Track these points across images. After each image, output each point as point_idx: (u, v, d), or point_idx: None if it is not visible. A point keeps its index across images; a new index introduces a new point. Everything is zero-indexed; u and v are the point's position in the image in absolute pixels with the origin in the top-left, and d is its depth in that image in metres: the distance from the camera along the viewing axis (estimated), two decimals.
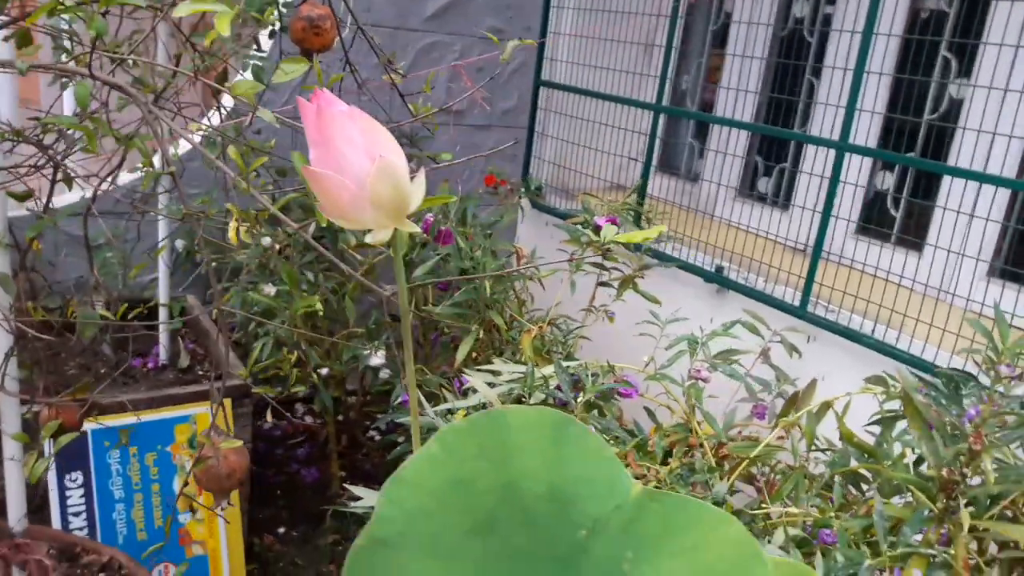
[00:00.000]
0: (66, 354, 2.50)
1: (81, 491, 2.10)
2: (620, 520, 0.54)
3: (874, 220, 2.81)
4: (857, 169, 2.62)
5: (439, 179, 3.09)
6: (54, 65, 1.09)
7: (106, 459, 2.12)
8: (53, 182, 1.23)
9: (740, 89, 3.10)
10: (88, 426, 2.10)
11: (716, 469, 1.62)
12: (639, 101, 3.05)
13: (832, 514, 1.57)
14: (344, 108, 0.63)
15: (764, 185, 3.24)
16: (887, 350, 2.26)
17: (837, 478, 1.69)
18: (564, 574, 0.54)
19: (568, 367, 1.73)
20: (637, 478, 1.62)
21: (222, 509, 1.21)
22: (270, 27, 1.49)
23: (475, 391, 1.67)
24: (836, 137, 2.39)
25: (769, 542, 1.40)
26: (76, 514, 2.10)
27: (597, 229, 2.19)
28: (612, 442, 1.62)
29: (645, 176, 3.02)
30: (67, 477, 2.09)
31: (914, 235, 2.67)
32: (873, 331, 2.33)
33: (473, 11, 3.28)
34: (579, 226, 2.23)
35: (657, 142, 3.13)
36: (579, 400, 1.55)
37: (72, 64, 1.05)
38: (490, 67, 3.40)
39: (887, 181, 2.83)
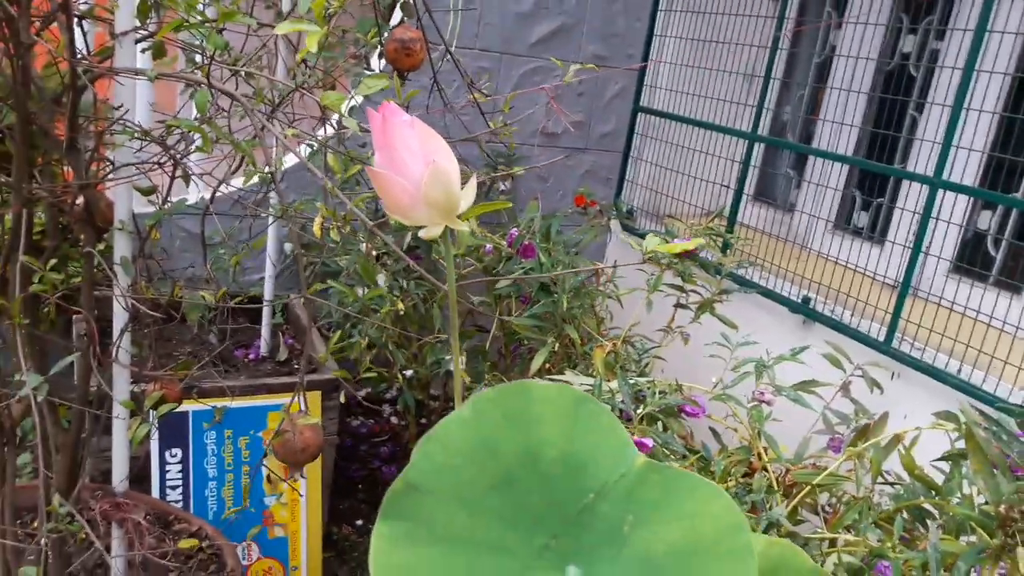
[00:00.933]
0: (177, 341, 2.70)
1: (179, 467, 2.28)
2: (624, 487, 0.60)
3: (972, 260, 2.74)
4: (955, 208, 2.56)
5: (530, 196, 3.19)
6: (176, 73, 1.24)
7: (203, 439, 2.29)
8: (172, 178, 1.39)
9: (840, 122, 3.08)
10: (189, 407, 2.28)
11: (775, 491, 1.63)
12: (734, 129, 3.07)
13: (890, 546, 1.56)
14: (406, 118, 0.72)
15: (860, 219, 3.19)
16: (972, 391, 2.20)
17: (901, 512, 1.68)
18: (572, 531, 0.61)
19: (635, 383, 1.78)
20: None
21: (295, 480, 1.32)
22: (378, 48, 1.63)
23: None
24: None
25: (821, 564, 1.41)
26: (173, 488, 2.27)
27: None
28: (671, 456, 1.65)
29: (736, 203, 3.03)
30: (168, 453, 2.26)
31: (1015, 277, 2.59)
32: (959, 371, 2.28)
33: (577, 38, 3.38)
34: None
35: (753, 171, 3.13)
36: (638, 412, 1.60)
37: (196, 74, 1.19)
38: (590, 91, 3.49)
39: (988, 221, 2.75)
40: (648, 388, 1.81)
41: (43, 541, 1.30)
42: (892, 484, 1.81)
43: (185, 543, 1.52)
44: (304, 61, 1.55)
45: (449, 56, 1.42)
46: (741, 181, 3.02)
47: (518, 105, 3.30)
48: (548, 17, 3.28)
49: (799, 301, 2.79)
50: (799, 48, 3.40)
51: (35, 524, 1.62)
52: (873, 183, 3.14)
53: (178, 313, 1.49)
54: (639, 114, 3.54)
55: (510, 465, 0.62)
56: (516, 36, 3.24)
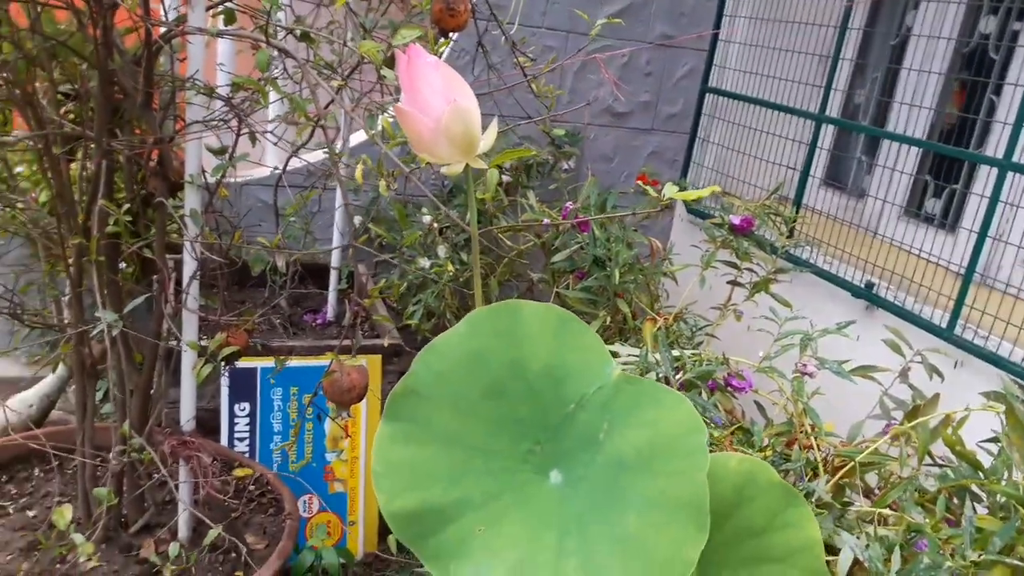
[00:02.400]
0: (250, 304, 2.84)
1: (247, 420, 2.41)
2: (601, 398, 0.65)
3: None
4: None
5: (598, 175, 3.22)
6: (236, 31, 1.33)
7: (270, 395, 2.42)
8: (238, 134, 1.48)
9: (915, 104, 3.01)
10: (258, 364, 2.41)
11: (814, 464, 1.64)
12: (801, 110, 3.04)
13: (931, 524, 1.55)
14: (431, 60, 0.78)
15: (932, 205, 3.11)
16: None
17: (944, 492, 1.66)
18: (555, 437, 0.67)
19: (679, 355, 1.81)
20: None
21: (343, 419, 1.41)
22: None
23: None
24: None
25: (858, 537, 1.42)
26: (240, 440, 2.41)
27: (732, 228, 2.24)
28: (710, 426, 1.68)
29: (802, 185, 3.00)
30: (236, 406, 2.40)
31: None
32: None
33: (646, 16, 3.39)
34: (715, 226, 2.29)
35: (824, 155, 3.09)
36: (677, 378, 1.63)
37: (258, 34, 1.28)
38: (658, 71, 3.50)
39: None
40: (692, 359, 1.83)
41: (115, 463, 1.41)
42: (940, 465, 1.80)
43: (240, 471, 1.63)
44: (364, 28, 1.63)
45: (496, 23, 1.47)
46: (807, 163, 2.99)
47: (583, 86, 3.34)
48: None
49: (862, 286, 2.75)
50: (874, 29, 3.32)
51: (108, 459, 1.75)
52: (948, 168, 3.06)
53: (247, 270, 1.58)
54: (707, 95, 3.53)
55: (499, 375, 0.67)
56: (585, 14, 3.26)
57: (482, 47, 1.55)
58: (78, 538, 1.34)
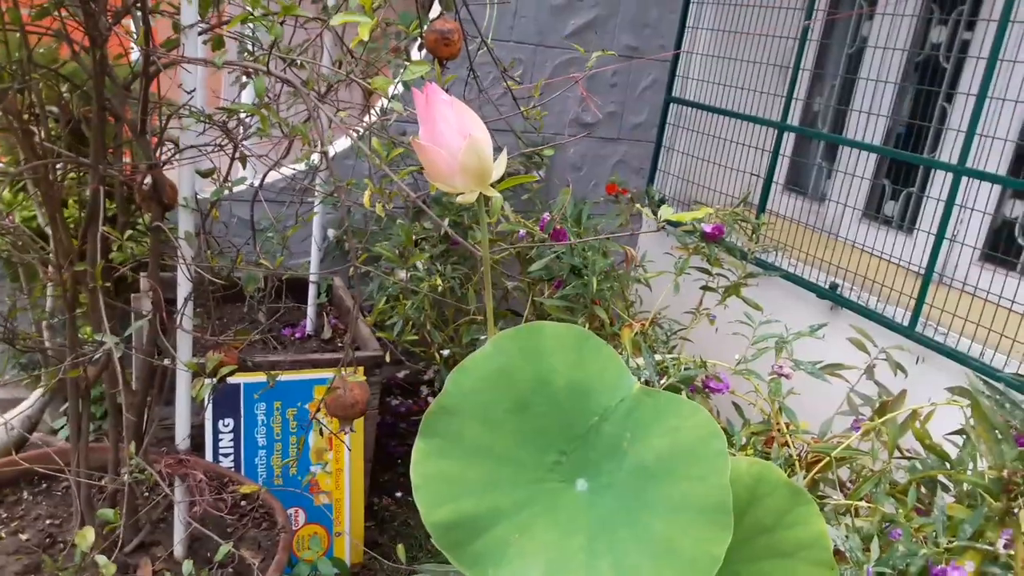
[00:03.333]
0: (228, 319, 2.85)
1: (231, 436, 2.43)
2: (623, 409, 0.71)
3: (1000, 248, 2.78)
4: (986, 196, 2.61)
5: (564, 186, 3.28)
6: (242, 62, 1.37)
7: (254, 410, 2.44)
8: (232, 159, 1.52)
9: (871, 112, 3.13)
10: (241, 380, 2.43)
11: (793, 460, 1.72)
12: (763, 119, 3.14)
13: (903, 514, 1.64)
14: (446, 97, 0.84)
15: (890, 208, 3.24)
16: (995, 374, 2.25)
17: (914, 484, 1.75)
18: (579, 448, 0.72)
19: (661, 359, 1.88)
20: None
21: (345, 433, 1.44)
22: (417, 39, 1.74)
23: None
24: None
25: (836, 529, 1.50)
26: (225, 455, 2.42)
27: (703, 235, 2.32)
28: None
29: (765, 191, 3.10)
30: (220, 422, 2.41)
31: None
32: (982, 354, 2.33)
33: (611, 28, 3.47)
34: (687, 233, 2.37)
35: (784, 161, 3.19)
36: (662, 383, 1.70)
37: (254, 63, 1.32)
38: (623, 83, 3.58)
39: (1017, 210, 2.79)
40: (672, 364, 1.90)
41: (123, 481, 1.43)
42: (909, 458, 1.89)
43: (246, 488, 1.66)
44: (350, 52, 1.67)
45: (485, 47, 1.53)
46: (770, 170, 3.09)
47: (551, 96, 3.41)
48: (582, 9, 3.37)
49: (827, 287, 2.85)
50: (831, 40, 3.44)
51: (104, 480, 1.77)
52: (904, 173, 3.18)
53: (236, 288, 1.62)
54: (671, 104, 3.62)
55: (525, 391, 0.73)
56: (550, 28, 3.34)
57: (473, 72, 1.60)
58: (101, 559, 1.35)
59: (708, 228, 2.30)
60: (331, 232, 3.30)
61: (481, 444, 0.72)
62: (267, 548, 1.87)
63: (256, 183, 1.74)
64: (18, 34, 1.43)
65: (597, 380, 0.72)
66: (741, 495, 0.72)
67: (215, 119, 1.43)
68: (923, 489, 1.74)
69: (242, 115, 1.42)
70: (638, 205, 3.37)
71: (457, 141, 0.82)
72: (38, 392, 2.32)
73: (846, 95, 3.46)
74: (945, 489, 1.76)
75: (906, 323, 2.55)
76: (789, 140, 3.40)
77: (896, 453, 1.92)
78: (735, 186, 3.37)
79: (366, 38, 0.99)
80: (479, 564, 0.69)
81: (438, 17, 1.36)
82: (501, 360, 0.74)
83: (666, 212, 1.00)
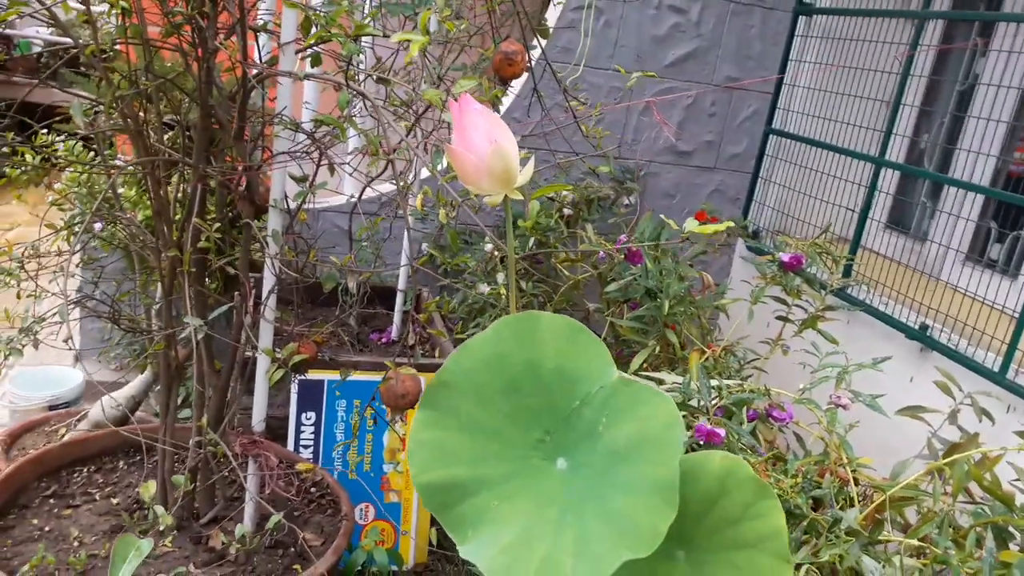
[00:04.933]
0: (321, 320, 3.02)
1: (312, 428, 2.57)
2: (602, 397, 0.77)
3: None
4: None
5: (655, 211, 3.32)
6: (319, 75, 1.50)
7: (335, 406, 2.58)
8: (318, 165, 1.65)
9: (979, 152, 3.02)
10: (324, 376, 2.58)
11: (848, 495, 1.70)
12: (861, 154, 3.09)
13: (960, 558, 1.59)
14: (478, 107, 0.92)
15: (996, 251, 3.11)
16: None
17: (975, 529, 1.70)
18: (562, 427, 0.78)
19: (719, 384, 1.89)
20: None
21: (397, 423, 1.54)
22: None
23: None
24: None
25: (884, 565, 1.48)
26: (306, 447, 2.57)
27: (781, 264, 2.32)
28: (745, 452, 1.75)
29: (860, 227, 3.04)
30: (303, 415, 2.56)
31: None
32: None
33: (712, 60, 3.49)
34: (766, 262, 2.36)
35: (886, 198, 3.12)
36: (713, 405, 1.71)
37: (334, 77, 1.44)
38: (723, 112, 3.59)
39: None
40: (729, 389, 1.91)
41: (192, 455, 1.57)
42: (976, 503, 1.82)
43: (303, 466, 1.77)
44: (437, 75, 1.79)
45: (549, 68, 1.61)
46: (866, 205, 3.03)
47: (647, 123, 3.46)
48: (684, 40, 3.41)
49: (916, 328, 2.77)
50: (942, 76, 3.35)
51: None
52: (1012, 216, 3.05)
53: (331, 292, 1.74)
54: (771, 136, 3.60)
55: (517, 373, 0.79)
56: (651, 57, 3.39)
57: (537, 92, 1.69)
58: (159, 510, 1.50)
59: (786, 258, 2.29)
60: (424, 246, 3.45)
61: (474, 418, 0.79)
62: (329, 533, 1.98)
63: (355, 196, 1.87)
64: (140, 47, 1.61)
65: (583, 369, 0.78)
66: (712, 487, 0.76)
67: (302, 127, 1.57)
68: (981, 530, 1.68)
69: (328, 125, 1.55)
70: (728, 235, 3.37)
71: (485, 147, 0.90)
72: (144, 375, 2.53)
73: (955, 133, 3.35)
74: (1011, 537, 1.69)
75: (996, 369, 2.45)
76: (893, 178, 3.32)
77: (969, 497, 1.86)
78: (832, 220, 3.31)
79: (415, 54, 1.09)
80: (461, 525, 0.76)
81: (505, 39, 1.45)
82: (499, 345, 0.80)
83: (691, 224, 1.04)
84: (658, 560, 0.79)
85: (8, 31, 5.91)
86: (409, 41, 1.11)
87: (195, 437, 1.75)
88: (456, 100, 0.91)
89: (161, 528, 1.53)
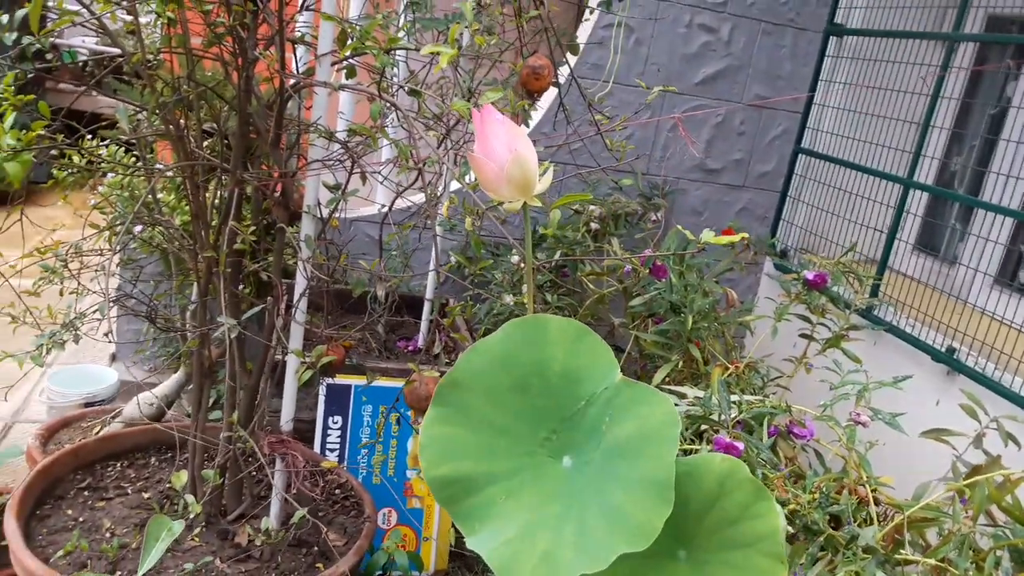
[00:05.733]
0: (350, 326, 3.08)
1: (339, 432, 2.63)
2: (606, 396, 0.80)
3: None
4: None
5: (687, 228, 3.33)
6: (353, 85, 1.55)
7: (361, 411, 2.63)
8: (350, 173, 1.71)
9: (1010, 175, 3.01)
10: (352, 382, 2.63)
11: (862, 508, 1.70)
12: (889, 174, 3.09)
13: None
14: (499, 117, 0.96)
15: None
16: None
17: (998, 552, 1.69)
18: (567, 425, 0.82)
19: (738, 400, 1.91)
20: (782, 503, 1.75)
21: (418, 424, 1.58)
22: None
23: None
24: None
25: None
26: (332, 450, 2.62)
27: (806, 282, 2.33)
28: (763, 466, 1.76)
29: (888, 248, 3.03)
30: (330, 419, 2.62)
31: None
32: None
33: (742, 79, 3.51)
34: (793, 280, 2.38)
35: (914, 220, 3.11)
36: (732, 418, 1.73)
37: (372, 89, 1.50)
38: (752, 131, 3.61)
39: None
40: (755, 404, 1.92)
41: (229, 451, 1.63)
42: (997, 526, 1.82)
43: (327, 463, 1.82)
44: (468, 88, 1.84)
45: (575, 83, 1.65)
46: (893, 226, 3.03)
47: (675, 140, 3.48)
48: (714, 59, 3.44)
49: (943, 351, 2.75)
50: (974, 100, 3.34)
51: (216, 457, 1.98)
52: None
53: (360, 300, 1.79)
54: (800, 155, 3.60)
55: (525, 373, 0.83)
56: (681, 75, 3.42)
57: (563, 106, 1.73)
58: (189, 498, 1.55)
59: (810, 276, 2.30)
60: (453, 257, 3.50)
61: (483, 416, 0.83)
62: (352, 534, 2.03)
63: (386, 206, 1.93)
64: (183, 56, 1.68)
65: (588, 370, 0.82)
66: (712, 488, 0.79)
67: (336, 136, 1.62)
68: (1001, 553, 1.68)
69: (361, 135, 1.61)
70: (754, 252, 3.38)
71: (505, 155, 0.94)
72: (177, 375, 2.60)
73: (986, 156, 3.33)
74: None
75: (1023, 393, 2.43)
76: (922, 200, 3.31)
77: (989, 520, 1.86)
78: (862, 242, 3.30)
79: (445, 65, 1.13)
80: (470, 519, 0.79)
81: (532, 54, 1.50)
82: (508, 346, 0.84)
83: (707, 235, 1.07)
84: (660, 559, 0.82)
85: (56, 40, 6.11)
86: (439, 53, 1.16)
87: (225, 434, 1.81)
88: (479, 111, 0.96)
89: (191, 516, 1.59)
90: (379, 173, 1.70)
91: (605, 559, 0.69)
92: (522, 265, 2.82)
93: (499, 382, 0.83)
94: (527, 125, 2.62)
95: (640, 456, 0.74)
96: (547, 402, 0.82)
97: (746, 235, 1.30)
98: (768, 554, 0.75)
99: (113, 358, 3.39)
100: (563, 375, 0.82)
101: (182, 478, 1.56)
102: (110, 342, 1.47)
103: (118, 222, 1.78)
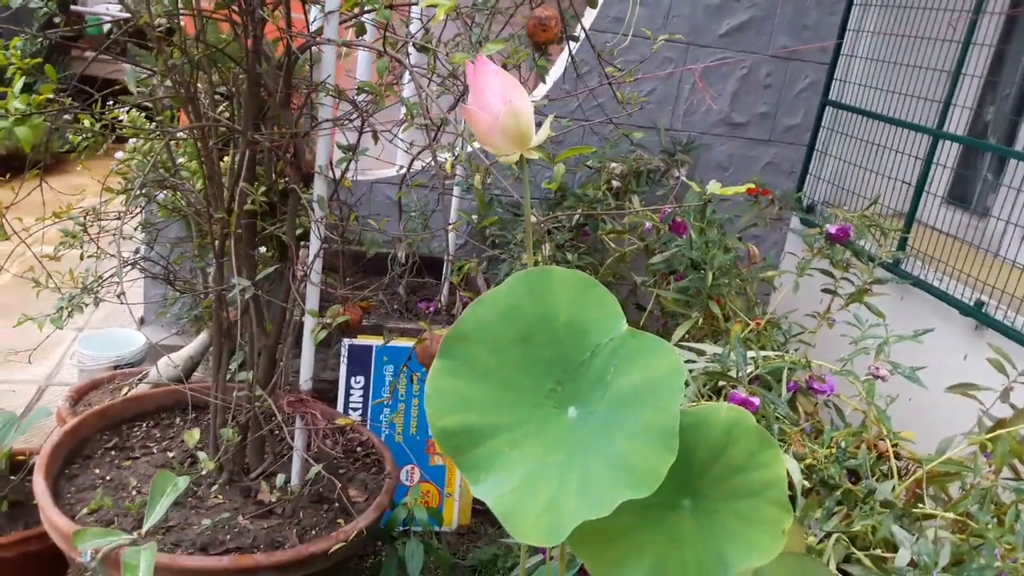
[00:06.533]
0: (371, 289, 3.09)
1: (361, 392, 2.65)
2: (611, 347, 0.79)
3: None
4: None
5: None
6: (358, 42, 1.53)
7: (383, 371, 2.65)
8: (360, 132, 1.69)
9: None
10: (373, 342, 2.64)
11: (879, 462, 1.69)
12: (917, 125, 3.01)
13: (998, 533, 1.57)
14: (493, 68, 0.94)
15: None
16: None
17: (1020, 505, 1.67)
18: (572, 376, 0.81)
19: (755, 355, 1.89)
20: (799, 457, 1.74)
21: None
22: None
23: None
24: None
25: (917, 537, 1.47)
26: (355, 410, 2.65)
27: (828, 236, 2.29)
28: (780, 421, 1.75)
29: (916, 201, 2.97)
30: (353, 379, 2.64)
31: None
32: None
33: (767, 30, 3.43)
34: (816, 235, 2.34)
35: (945, 172, 3.04)
36: (748, 374, 1.71)
37: (377, 44, 1.48)
38: (778, 84, 3.53)
39: None
40: (774, 359, 1.90)
41: (243, 411, 1.64)
42: (1020, 479, 1.80)
43: (342, 420, 1.84)
44: (481, 44, 1.81)
45: (588, 40, 1.61)
46: (922, 178, 2.96)
47: (699, 94, 3.42)
48: (738, 10, 3.35)
49: (971, 304, 2.70)
50: (1009, 45, 3.23)
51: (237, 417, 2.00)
52: None
53: (371, 259, 1.79)
54: (827, 108, 3.52)
55: (530, 325, 0.82)
56: (704, 27, 3.35)
57: (573, 60, 1.69)
58: (202, 455, 1.58)
59: (833, 230, 2.26)
60: (475, 217, 3.48)
61: (489, 368, 0.82)
62: (372, 490, 2.05)
63: (405, 167, 1.91)
64: (194, 18, 1.67)
65: (593, 321, 0.80)
66: (719, 437, 0.78)
67: (345, 95, 1.61)
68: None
69: (369, 92, 1.59)
70: (779, 207, 3.33)
71: (499, 107, 0.92)
72: (201, 336, 2.63)
73: (1022, 105, 3.24)
74: None
75: None
76: (953, 151, 3.22)
77: (1013, 475, 1.83)
78: (889, 195, 3.23)
79: (441, 18, 1.11)
80: (475, 469, 0.79)
81: (539, 4, 1.47)
82: (513, 298, 0.83)
83: (714, 187, 1.05)
84: (665, 509, 0.81)
85: (79, 8, 6.11)
86: (437, 6, 1.13)
87: (245, 393, 1.83)
88: (472, 63, 0.94)
89: (203, 472, 1.61)
90: (391, 132, 1.68)
91: (609, 505, 0.68)
92: (542, 226, 2.79)
93: (504, 334, 0.83)
94: (543, 81, 2.58)
95: (645, 405, 0.73)
96: (552, 353, 0.81)
97: (752, 185, 1.27)
98: (775, 503, 0.74)
99: (142, 321, 3.43)
100: (568, 326, 0.81)
101: (195, 436, 1.59)
102: (122, 303, 1.48)
103: (135, 186, 1.78)
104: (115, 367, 2.88)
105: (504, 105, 0.91)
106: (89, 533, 1.39)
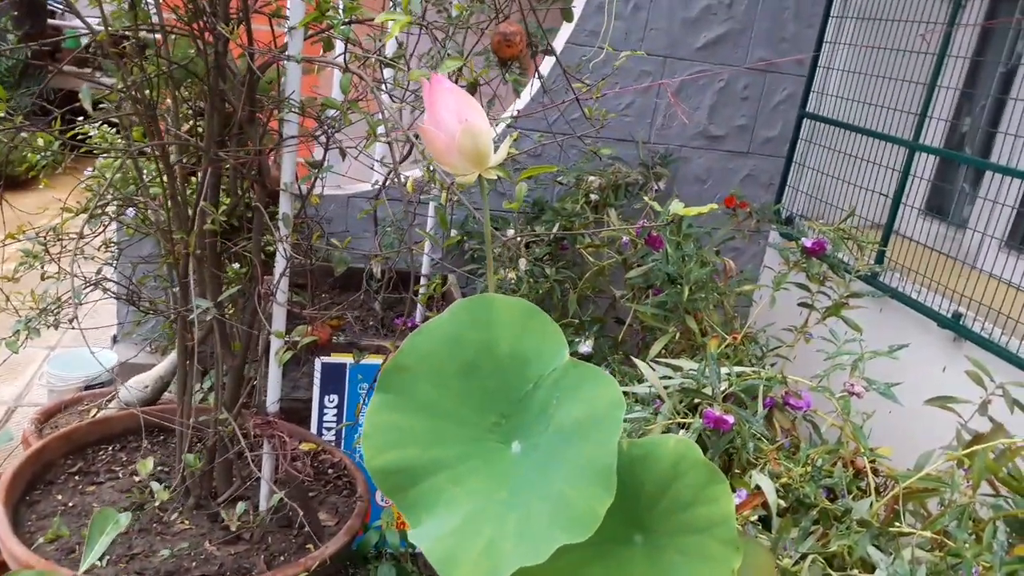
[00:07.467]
0: (346, 306, 3.06)
1: (335, 411, 2.61)
2: (554, 378, 0.76)
3: None
4: None
5: (687, 198, 3.27)
6: (319, 58, 1.51)
7: (357, 389, 2.61)
8: (326, 148, 1.67)
9: (1019, 135, 2.92)
10: (347, 360, 2.61)
11: (855, 481, 1.66)
12: (894, 137, 3.00)
13: (975, 551, 1.55)
14: (449, 86, 0.91)
15: None
16: None
17: (997, 522, 1.65)
18: (516, 407, 0.78)
19: (730, 371, 1.86)
20: (775, 476, 1.72)
21: None
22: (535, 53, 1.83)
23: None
24: None
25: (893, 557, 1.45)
26: (328, 429, 2.60)
27: (804, 249, 2.27)
28: (755, 439, 1.72)
29: (893, 213, 2.96)
30: (326, 398, 2.60)
31: None
32: None
33: (745, 42, 3.42)
34: (792, 248, 2.32)
35: (923, 184, 3.03)
36: (722, 391, 1.69)
37: (340, 61, 1.45)
38: (756, 96, 3.52)
39: None
40: (749, 376, 1.88)
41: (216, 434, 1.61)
42: (998, 495, 1.77)
43: (306, 445, 1.80)
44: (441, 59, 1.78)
45: (553, 55, 1.59)
46: (899, 190, 2.95)
47: (670, 108, 3.41)
48: (716, 22, 3.35)
49: (950, 316, 2.69)
50: (984, 58, 3.24)
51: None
52: None
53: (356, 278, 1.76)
54: (805, 120, 3.52)
55: (472, 356, 0.79)
56: (681, 40, 3.34)
57: (539, 74, 1.67)
58: (155, 486, 1.54)
59: (808, 243, 2.24)
60: (453, 232, 3.45)
61: (430, 401, 0.79)
62: (343, 514, 2.01)
63: (380, 184, 1.89)
64: (154, 33, 1.64)
65: (536, 351, 0.78)
66: (666, 471, 0.75)
67: (308, 111, 1.58)
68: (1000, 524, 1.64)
69: (334, 110, 1.56)
70: (757, 220, 3.31)
71: (455, 126, 0.90)
72: (171, 356, 2.59)
73: (998, 116, 3.24)
74: None
75: None
76: (931, 163, 3.22)
77: (992, 490, 1.81)
78: (868, 207, 3.23)
79: (397, 33, 1.09)
80: (415, 508, 0.76)
81: (503, 20, 1.45)
82: (454, 327, 0.80)
83: (676, 207, 1.02)
84: (615, 545, 0.79)
85: (58, 22, 6.07)
86: (391, 22, 1.11)
87: (214, 420, 1.79)
88: (427, 80, 0.91)
89: (156, 502, 1.57)
90: (356, 148, 1.65)
91: (545, 551, 0.66)
92: (518, 239, 2.77)
93: (446, 365, 0.80)
94: (518, 96, 2.56)
95: (586, 440, 0.70)
96: (496, 385, 0.79)
97: (714, 206, 1.24)
98: (723, 540, 0.72)
99: (115, 340, 3.39)
100: (512, 356, 0.78)
101: (148, 466, 1.55)
102: (75, 328, 1.44)
103: (96, 204, 1.75)
104: (85, 387, 2.84)
105: (460, 124, 0.88)
106: (23, 575, 1.35)
